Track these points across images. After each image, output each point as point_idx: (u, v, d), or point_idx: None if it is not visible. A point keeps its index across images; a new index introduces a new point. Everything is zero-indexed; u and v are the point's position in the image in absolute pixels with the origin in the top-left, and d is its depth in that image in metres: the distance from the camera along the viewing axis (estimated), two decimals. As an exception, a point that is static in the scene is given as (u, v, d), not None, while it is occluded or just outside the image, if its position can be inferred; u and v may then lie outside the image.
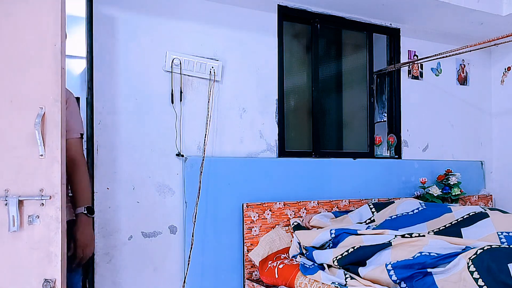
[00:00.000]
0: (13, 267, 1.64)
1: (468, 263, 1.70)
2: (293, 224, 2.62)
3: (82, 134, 1.93)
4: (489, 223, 2.20)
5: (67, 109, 1.81)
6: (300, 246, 2.39)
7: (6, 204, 1.62)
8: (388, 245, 2.00)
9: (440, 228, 2.32)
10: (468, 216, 2.31)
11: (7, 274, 1.64)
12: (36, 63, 1.68)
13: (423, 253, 1.87)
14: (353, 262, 2.04)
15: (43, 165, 1.65)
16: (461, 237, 2.16)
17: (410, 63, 3.33)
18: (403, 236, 2.06)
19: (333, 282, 1.99)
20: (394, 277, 1.83)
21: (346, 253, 2.08)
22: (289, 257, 2.41)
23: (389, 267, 1.87)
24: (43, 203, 1.65)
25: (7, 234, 1.63)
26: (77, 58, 4.27)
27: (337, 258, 2.09)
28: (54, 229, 1.65)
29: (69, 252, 1.71)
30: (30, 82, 1.66)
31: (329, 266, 2.16)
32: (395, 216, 2.51)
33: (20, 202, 1.62)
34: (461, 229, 2.23)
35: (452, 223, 2.33)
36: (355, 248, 2.07)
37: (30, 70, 1.68)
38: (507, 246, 1.79)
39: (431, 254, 1.85)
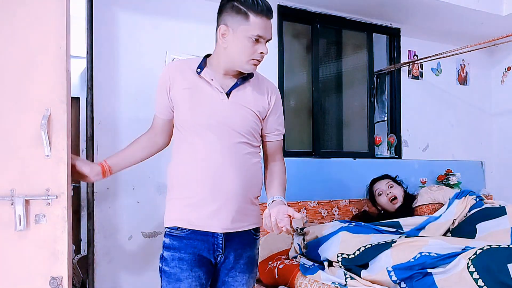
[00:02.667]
0: (20, 266, 1.67)
1: (468, 263, 1.70)
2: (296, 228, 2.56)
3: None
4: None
5: (275, 109, 1.67)
6: (300, 247, 2.39)
7: (12, 204, 1.64)
8: (389, 245, 2.00)
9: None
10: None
11: (14, 273, 1.67)
12: (41, 66, 1.69)
13: (423, 253, 1.87)
14: (356, 265, 2.03)
15: (48, 166, 1.66)
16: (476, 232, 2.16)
17: (410, 63, 3.33)
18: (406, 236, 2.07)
19: (333, 282, 1.99)
20: (394, 277, 1.83)
21: (352, 255, 2.06)
22: (289, 257, 2.41)
23: (389, 268, 1.87)
24: (49, 203, 1.66)
25: (14, 233, 1.65)
26: (77, 58, 4.27)
27: (342, 256, 2.07)
28: (61, 228, 1.67)
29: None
30: (34, 84, 1.68)
31: (329, 265, 2.16)
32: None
33: (26, 202, 1.64)
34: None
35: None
36: (361, 250, 2.06)
37: (35, 72, 1.69)
38: (507, 246, 1.79)
39: (431, 254, 1.85)
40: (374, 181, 2.92)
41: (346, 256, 2.06)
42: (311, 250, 2.28)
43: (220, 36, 1.54)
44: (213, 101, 1.55)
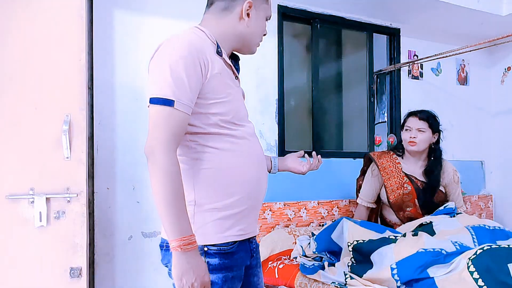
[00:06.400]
0: (41, 258, 1.82)
1: (468, 263, 1.70)
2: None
3: None
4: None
5: None
6: (302, 249, 2.37)
7: (32, 202, 1.79)
8: (394, 241, 2.03)
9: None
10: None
11: (36, 265, 1.82)
12: (62, 76, 1.86)
13: (427, 250, 1.89)
14: (363, 253, 2.04)
15: (68, 167, 1.83)
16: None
17: (410, 63, 3.33)
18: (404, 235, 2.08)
19: (333, 282, 1.99)
20: (396, 277, 1.84)
21: (362, 241, 2.08)
22: (289, 258, 2.41)
23: (393, 265, 1.87)
24: (69, 200, 1.83)
25: (34, 229, 1.81)
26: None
27: (355, 244, 2.09)
28: (80, 223, 1.85)
29: None
30: (55, 92, 1.84)
31: (330, 264, 2.16)
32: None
33: (47, 199, 1.80)
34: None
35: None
36: (369, 239, 2.10)
37: (55, 82, 1.85)
38: (507, 246, 1.79)
39: (434, 250, 1.88)
40: (412, 113, 2.58)
41: (356, 242, 2.08)
42: (322, 241, 2.25)
43: (244, 12, 1.32)
44: (236, 87, 1.34)
